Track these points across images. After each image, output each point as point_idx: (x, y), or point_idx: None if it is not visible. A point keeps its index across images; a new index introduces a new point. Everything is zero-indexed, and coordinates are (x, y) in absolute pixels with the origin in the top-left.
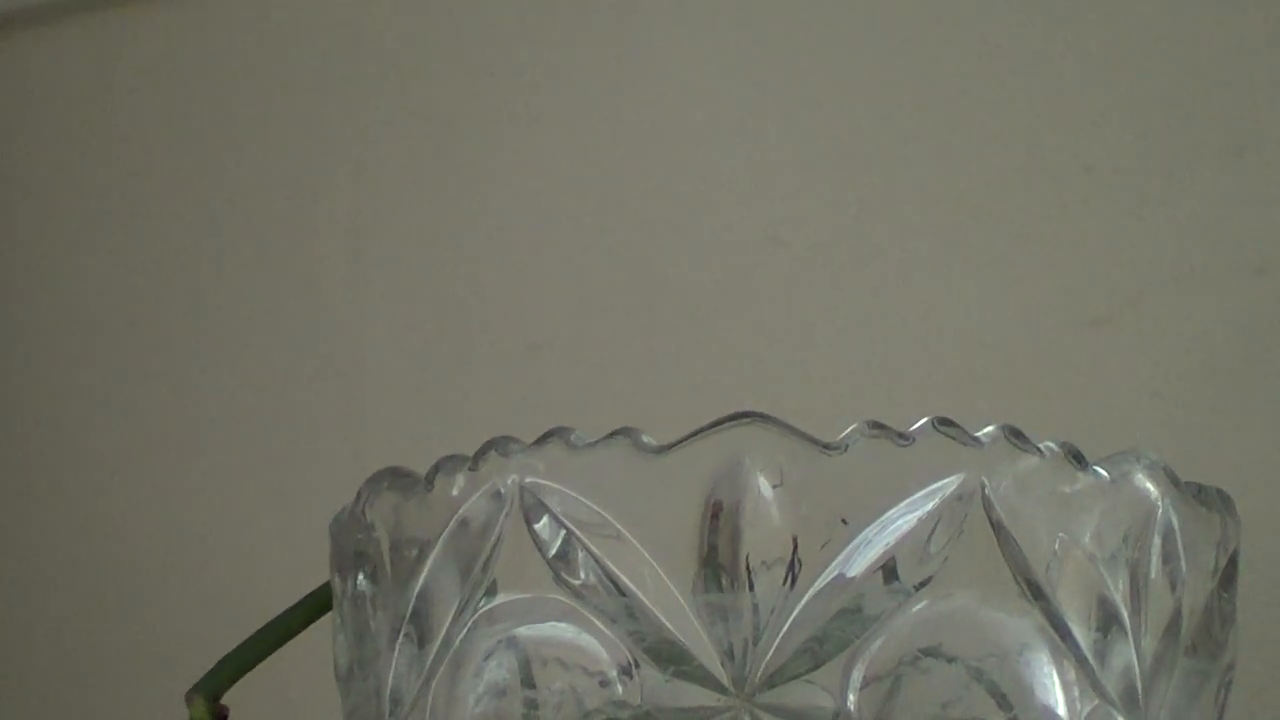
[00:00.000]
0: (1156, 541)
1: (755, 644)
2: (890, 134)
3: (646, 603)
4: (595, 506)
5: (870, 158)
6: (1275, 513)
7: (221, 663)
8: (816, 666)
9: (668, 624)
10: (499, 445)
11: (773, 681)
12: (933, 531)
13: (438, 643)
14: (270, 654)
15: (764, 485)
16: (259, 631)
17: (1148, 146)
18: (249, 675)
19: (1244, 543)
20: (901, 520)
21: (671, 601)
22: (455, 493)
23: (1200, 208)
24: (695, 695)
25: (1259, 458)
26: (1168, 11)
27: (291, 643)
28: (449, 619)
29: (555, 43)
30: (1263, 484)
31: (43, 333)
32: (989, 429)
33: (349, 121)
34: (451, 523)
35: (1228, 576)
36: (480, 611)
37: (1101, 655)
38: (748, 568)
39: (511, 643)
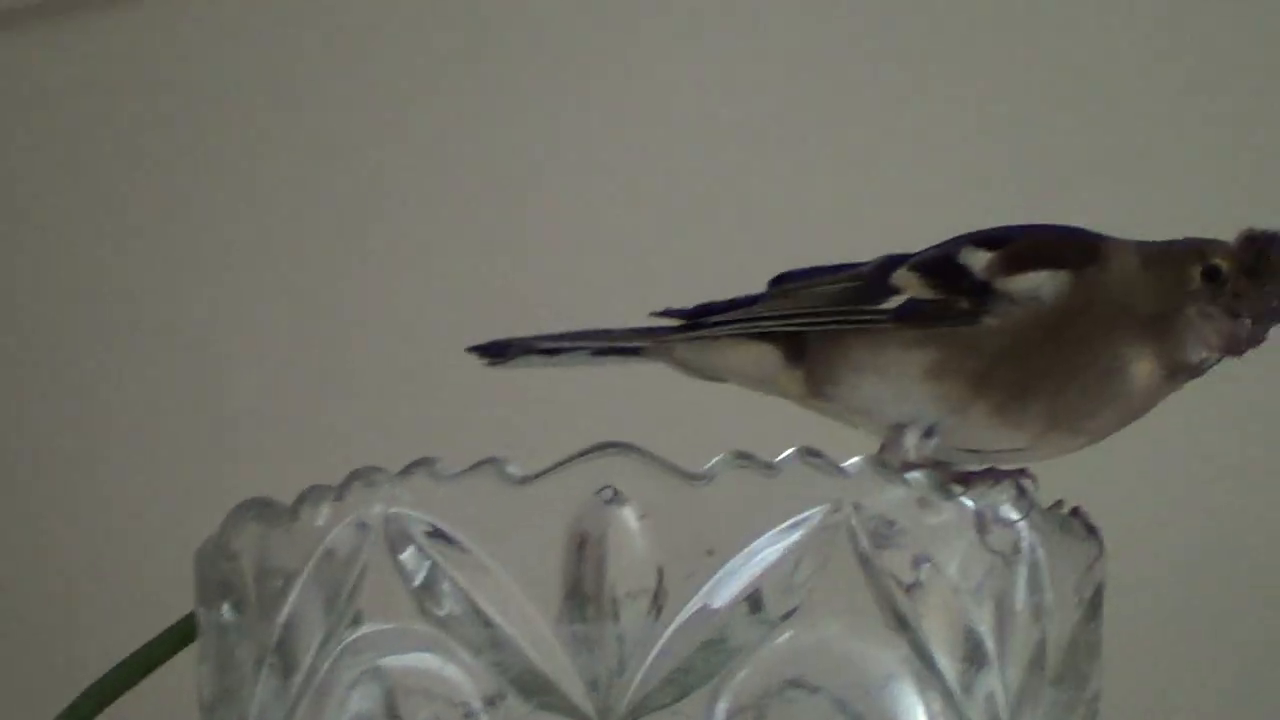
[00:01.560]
0: (1022, 572)
1: (620, 675)
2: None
3: (511, 633)
4: (460, 537)
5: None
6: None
7: (85, 694)
8: (681, 697)
9: (532, 655)
10: (364, 475)
11: (637, 713)
12: (799, 562)
13: (302, 673)
14: (134, 685)
15: (629, 515)
16: (122, 662)
17: None
18: (111, 707)
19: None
20: (767, 551)
21: (537, 632)
22: (320, 523)
23: None
24: None
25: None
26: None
27: (155, 673)
28: (314, 649)
29: None
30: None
31: None
32: (855, 460)
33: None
34: (317, 553)
35: (1094, 607)
36: (345, 642)
37: (967, 686)
38: (613, 598)
39: (376, 673)
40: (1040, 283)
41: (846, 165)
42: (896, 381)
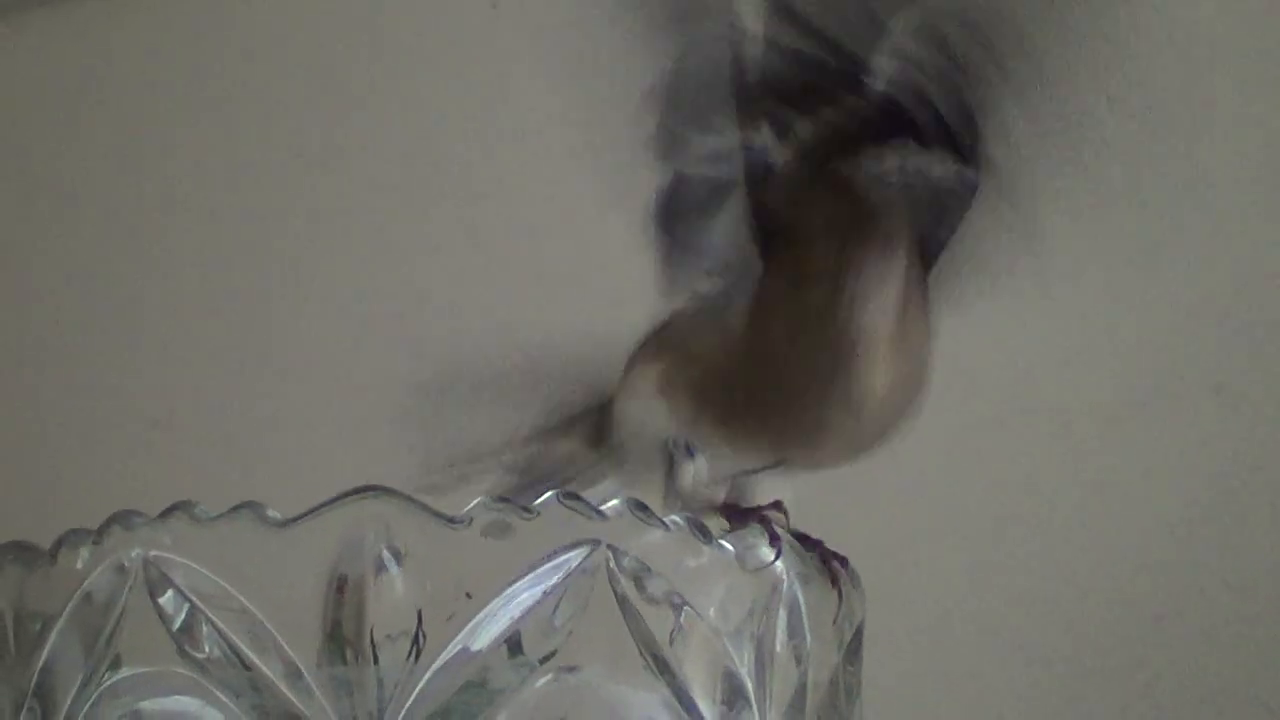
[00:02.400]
0: (782, 615)
1: (380, 717)
2: None
3: (271, 676)
4: (219, 580)
5: None
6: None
7: None
8: None
9: (292, 697)
10: (122, 519)
11: None
12: (558, 605)
13: (61, 717)
14: None
15: (388, 558)
16: None
17: None
18: None
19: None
20: (526, 594)
21: (296, 674)
22: (79, 566)
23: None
24: None
25: None
26: None
27: None
28: (72, 693)
29: None
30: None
31: None
32: (613, 502)
33: None
34: (75, 597)
35: (853, 650)
36: (104, 685)
37: None
38: (372, 641)
39: (136, 717)
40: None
41: None
42: (641, 397)
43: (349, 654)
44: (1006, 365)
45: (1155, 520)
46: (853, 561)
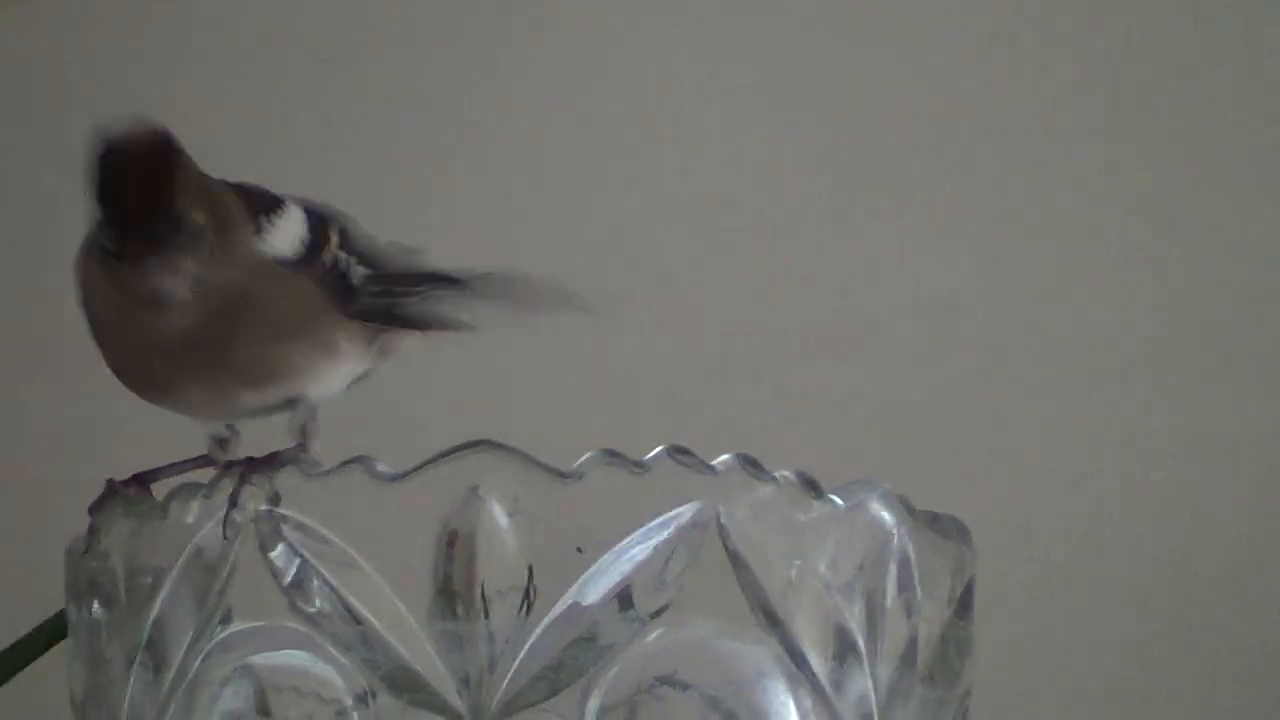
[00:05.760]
0: (892, 569)
1: (491, 672)
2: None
3: (382, 630)
4: (330, 534)
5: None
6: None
7: None
8: (553, 694)
9: (403, 652)
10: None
11: (509, 709)
12: (668, 560)
13: (173, 671)
14: (6, 681)
15: (499, 513)
16: None
17: None
18: None
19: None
20: (637, 549)
21: (407, 629)
22: (190, 520)
23: None
24: None
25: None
26: None
27: (26, 670)
28: (184, 647)
29: None
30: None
31: None
32: (724, 457)
33: None
34: (186, 551)
35: (964, 604)
36: (216, 639)
37: (838, 683)
38: (483, 596)
39: (247, 671)
40: None
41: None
42: None
43: (460, 608)
44: (1117, 330)
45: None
46: (963, 517)
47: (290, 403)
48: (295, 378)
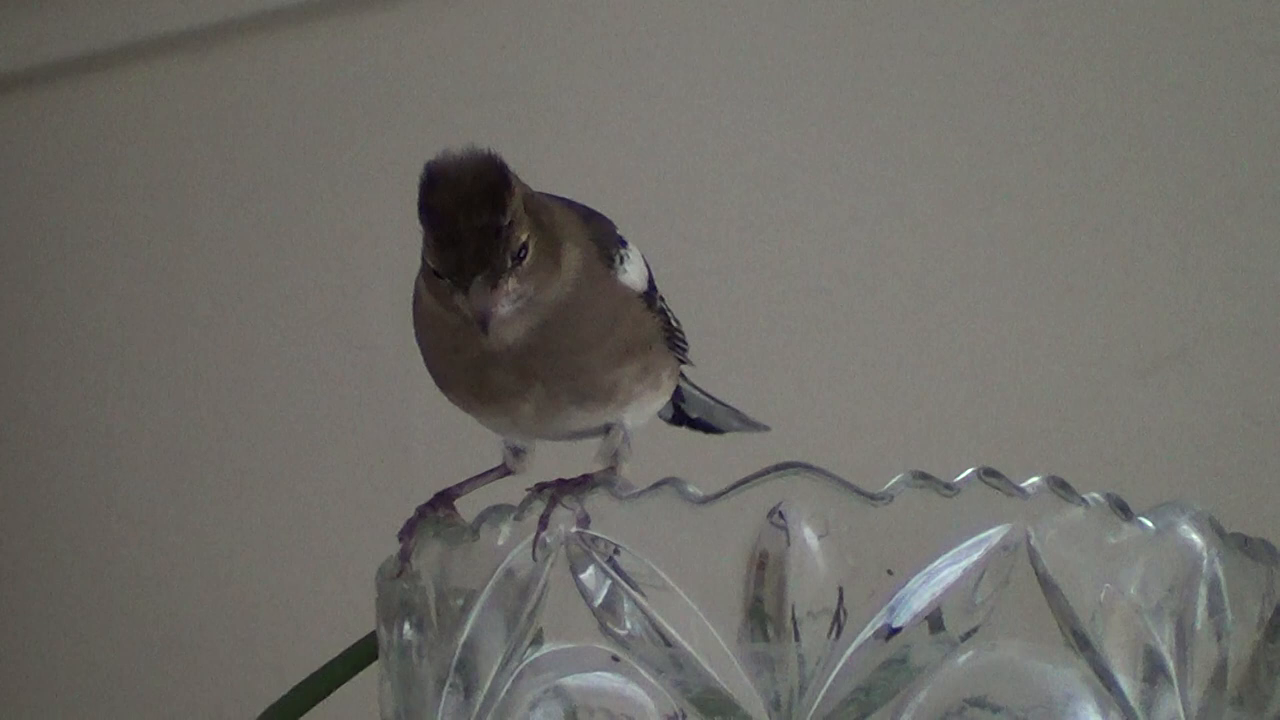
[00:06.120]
0: (1202, 592)
1: (802, 694)
2: (938, 179)
3: (692, 652)
4: (641, 556)
5: (916, 203)
6: None
7: (268, 712)
8: (863, 716)
9: (714, 674)
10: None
11: None
12: (979, 582)
13: (484, 692)
14: (316, 703)
15: (809, 535)
16: (305, 680)
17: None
18: None
19: None
20: (947, 571)
21: (717, 651)
22: (501, 542)
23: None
24: None
25: None
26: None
27: (337, 693)
28: (495, 668)
29: None
30: None
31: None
32: (1034, 480)
33: None
34: (497, 572)
35: (1275, 627)
36: (526, 661)
37: (1148, 705)
38: (793, 618)
39: (558, 692)
40: None
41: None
42: None
43: (770, 630)
44: None
45: None
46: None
47: (608, 428)
48: (625, 402)
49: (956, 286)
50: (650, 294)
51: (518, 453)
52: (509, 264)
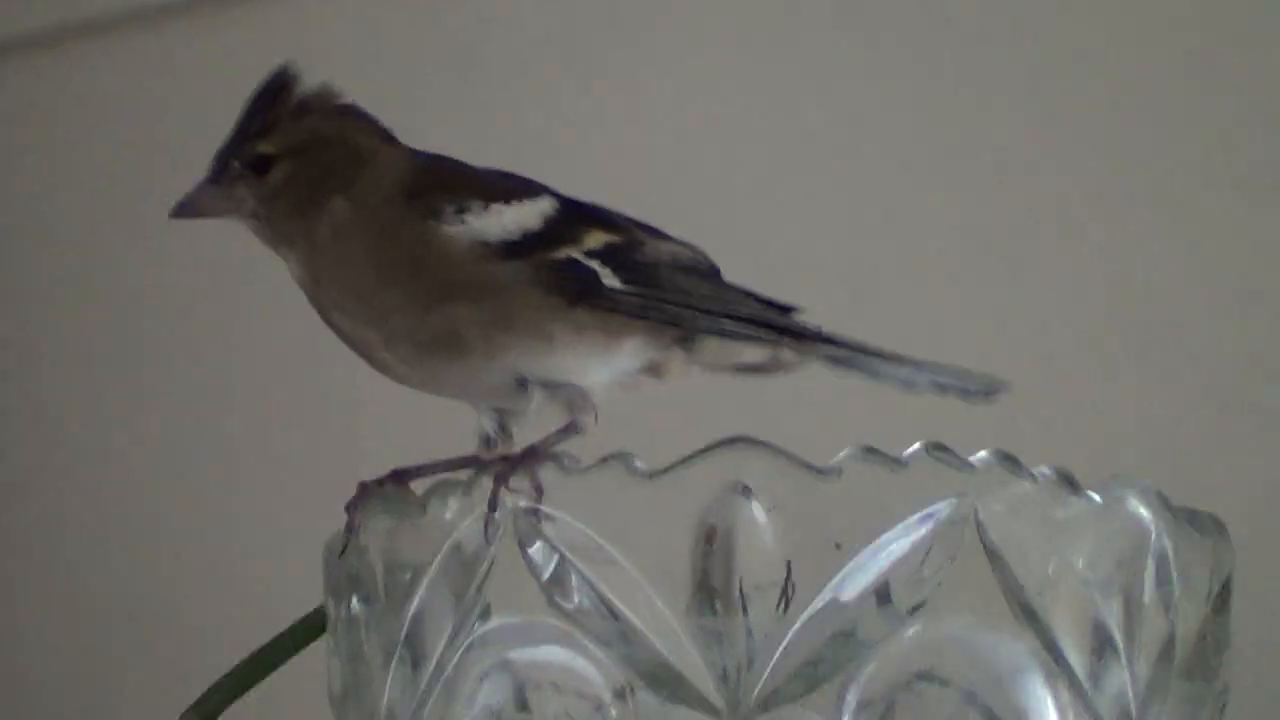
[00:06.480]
0: (1150, 566)
1: (749, 668)
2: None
3: (640, 626)
4: (588, 531)
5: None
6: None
7: (215, 687)
8: (810, 690)
9: (661, 648)
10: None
11: (767, 705)
12: (926, 555)
13: (432, 666)
14: (264, 678)
15: (757, 509)
16: (253, 655)
17: None
18: (242, 699)
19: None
20: (895, 544)
21: (665, 625)
22: (449, 517)
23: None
24: (689, 719)
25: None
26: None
27: (285, 666)
28: (443, 642)
29: None
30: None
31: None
32: (981, 454)
33: None
34: (445, 547)
35: (1221, 601)
36: (474, 635)
37: (1096, 679)
38: (741, 592)
39: (505, 666)
40: None
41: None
42: None
43: (718, 605)
44: None
45: None
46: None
47: (521, 385)
48: (498, 354)
49: (930, 276)
50: (529, 246)
51: (488, 441)
52: (235, 168)
